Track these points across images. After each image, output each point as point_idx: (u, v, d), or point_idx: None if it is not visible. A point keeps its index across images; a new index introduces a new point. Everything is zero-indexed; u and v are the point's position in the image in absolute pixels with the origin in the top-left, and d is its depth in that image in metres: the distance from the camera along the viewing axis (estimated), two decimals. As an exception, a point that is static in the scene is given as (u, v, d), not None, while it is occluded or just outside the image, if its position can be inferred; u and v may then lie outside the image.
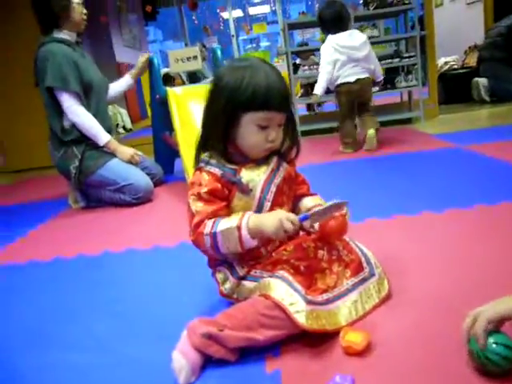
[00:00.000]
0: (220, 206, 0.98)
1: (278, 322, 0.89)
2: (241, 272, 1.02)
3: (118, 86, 2.72)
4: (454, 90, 4.69)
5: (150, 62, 2.61)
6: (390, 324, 0.97)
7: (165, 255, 1.60)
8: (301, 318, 0.88)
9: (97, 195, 2.41)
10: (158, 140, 2.95)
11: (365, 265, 1.06)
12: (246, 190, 0.99)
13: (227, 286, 1.04)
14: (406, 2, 3.73)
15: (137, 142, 3.84)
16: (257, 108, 0.94)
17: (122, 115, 6.29)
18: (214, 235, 0.94)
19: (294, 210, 1.14)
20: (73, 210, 2.45)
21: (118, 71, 6.99)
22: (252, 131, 0.97)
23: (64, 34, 2.33)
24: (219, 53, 2.64)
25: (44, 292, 1.43)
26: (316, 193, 1.18)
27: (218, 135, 1.00)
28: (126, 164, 2.38)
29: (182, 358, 0.86)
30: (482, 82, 4.38)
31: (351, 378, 0.77)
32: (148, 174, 2.48)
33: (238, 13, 10.62)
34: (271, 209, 1.02)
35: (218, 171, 0.99)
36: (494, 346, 0.73)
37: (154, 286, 1.37)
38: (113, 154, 2.37)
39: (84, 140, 2.34)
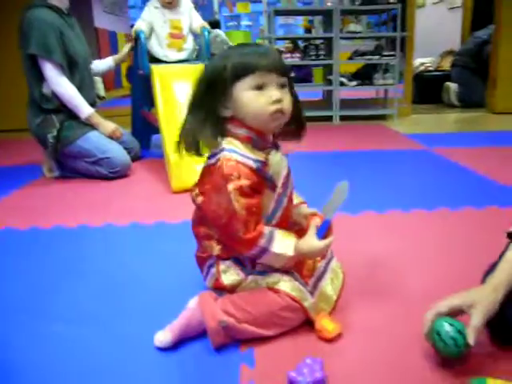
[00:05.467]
0: (259, 201, 0.95)
1: (288, 322, 0.97)
2: (250, 268, 1.02)
3: (99, 66, 2.72)
4: (427, 91, 4.85)
5: (136, 37, 2.60)
6: (362, 315, 1.06)
7: (143, 233, 1.64)
8: (311, 313, 0.98)
9: (73, 166, 2.41)
10: (136, 114, 2.96)
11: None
12: (273, 188, 0.99)
13: (232, 278, 1.01)
14: (392, 1, 3.82)
15: (112, 112, 3.79)
16: (241, 75, 0.91)
17: (95, 82, 6.17)
18: (264, 250, 0.94)
19: None
20: (46, 179, 2.44)
21: (96, 37, 6.85)
22: (250, 97, 0.91)
23: (55, 0, 2.29)
24: (207, 34, 2.66)
25: (23, 262, 1.45)
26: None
27: (214, 120, 0.94)
28: (104, 137, 2.38)
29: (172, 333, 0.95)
30: (453, 87, 4.55)
31: (320, 361, 0.85)
32: (125, 149, 2.48)
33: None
34: (287, 204, 1.03)
35: (252, 164, 0.93)
36: (448, 328, 0.83)
37: (133, 262, 1.41)
38: (92, 126, 2.37)
39: (64, 109, 2.32)
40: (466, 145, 2.86)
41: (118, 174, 2.35)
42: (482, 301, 0.83)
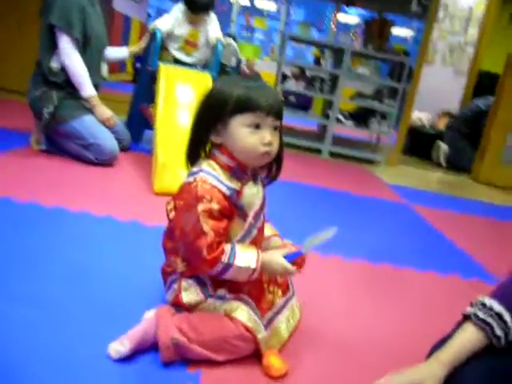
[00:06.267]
0: (227, 224, 0.99)
1: (238, 350, 1.00)
2: (211, 291, 1.04)
3: (112, 53, 2.74)
4: (418, 145, 4.97)
5: (152, 34, 2.63)
6: (311, 358, 1.10)
7: (117, 229, 1.65)
8: (262, 346, 1.01)
9: (62, 144, 2.40)
10: (135, 107, 2.98)
11: (290, 286, 1.19)
12: (244, 217, 1.02)
13: (191, 297, 1.04)
14: (405, 53, 3.93)
15: (109, 96, 3.76)
16: (242, 110, 0.96)
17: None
18: (228, 265, 0.97)
19: None
20: (32, 150, 2.43)
21: (111, 19, 6.83)
22: (244, 133, 0.97)
23: None
24: (220, 47, 2.71)
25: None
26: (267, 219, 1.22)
27: (204, 142, 1.02)
28: (99, 123, 2.39)
29: (131, 342, 0.96)
30: (444, 147, 4.68)
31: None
32: (116, 139, 2.49)
33: (245, 1, 10.60)
34: (257, 235, 1.07)
35: (225, 190, 0.98)
36: None
37: (102, 258, 1.42)
38: (89, 110, 2.38)
39: (66, 87, 2.34)
40: (445, 208, 2.95)
41: (104, 161, 2.36)
42: (429, 377, 0.88)
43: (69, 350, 0.97)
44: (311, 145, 4.08)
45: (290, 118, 4.97)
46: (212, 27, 2.80)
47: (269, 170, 1.09)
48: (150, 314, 1.02)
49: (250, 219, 1.03)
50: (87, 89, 2.36)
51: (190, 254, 1.01)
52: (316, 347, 1.15)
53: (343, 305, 1.41)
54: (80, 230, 1.59)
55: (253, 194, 1.04)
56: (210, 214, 0.95)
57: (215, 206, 0.95)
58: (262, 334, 1.01)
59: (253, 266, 0.98)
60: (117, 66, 7.43)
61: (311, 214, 2.27)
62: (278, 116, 0.99)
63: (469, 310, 0.98)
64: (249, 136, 0.97)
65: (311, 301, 1.31)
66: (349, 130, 4.36)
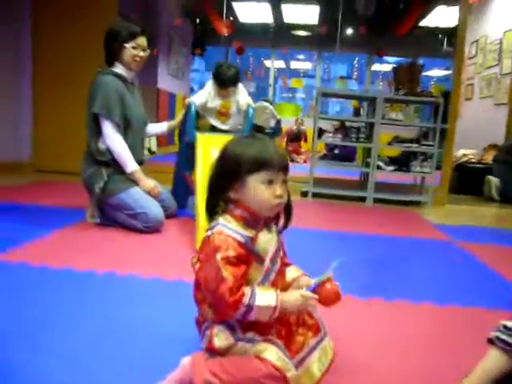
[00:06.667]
0: (245, 270, 1.07)
1: None
2: (240, 334, 1.10)
3: (152, 129, 3.00)
4: (467, 182, 4.88)
5: (187, 106, 2.86)
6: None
7: (164, 289, 1.76)
8: None
9: (112, 215, 2.62)
10: (178, 175, 3.17)
11: (321, 327, 1.22)
12: (261, 261, 1.11)
13: (223, 342, 1.10)
14: (444, 92, 3.98)
15: (158, 168, 4.04)
16: (258, 169, 1.08)
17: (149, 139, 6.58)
18: (249, 307, 1.04)
19: None
20: (87, 224, 2.65)
21: (157, 97, 7.37)
22: (260, 189, 1.08)
23: (121, 70, 2.64)
24: (251, 112, 2.90)
25: (48, 297, 1.60)
26: (291, 262, 1.29)
27: (222, 198, 1.13)
28: (145, 194, 2.59)
29: None
30: (495, 180, 4.57)
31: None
32: (162, 207, 2.68)
33: (281, 64, 11.14)
34: (275, 279, 1.15)
35: (240, 238, 1.08)
36: None
37: (150, 311, 1.54)
38: (135, 183, 2.60)
39: (113, 164, 2.58)
40: (494, 242, 2.87)
41: (151, 229, 2.53)
42: None
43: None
44: (355, 194, 4.12)
45: (334, 170, 5.07)
46: (241, 96, 3.07)
47: (277, 218, 1.18)
48: (186, 360, 1.10)
49: (267, 263, 1.11)
50: (130, 165, 2.59)
51: (214, 300, 1.08)
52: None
53: (382, 346, 1.41)
54: (128, 291, 1.72)
55: (268, 239, 1.13)
56: (228, 261, 1.05)
57: (231, 254, 1.05)
58: (291, 373, 1.05)
59: (273, 303, 1.05)
60: (165, 140, 7.91)
61: (353, 260, 2.29)
62: (286, 171, 1.12)
63: (491, 334, 0.98)
64: (264, 191, 1.09)
65: (350, 342, 1.34)
66: (392, 175, 4.37)
